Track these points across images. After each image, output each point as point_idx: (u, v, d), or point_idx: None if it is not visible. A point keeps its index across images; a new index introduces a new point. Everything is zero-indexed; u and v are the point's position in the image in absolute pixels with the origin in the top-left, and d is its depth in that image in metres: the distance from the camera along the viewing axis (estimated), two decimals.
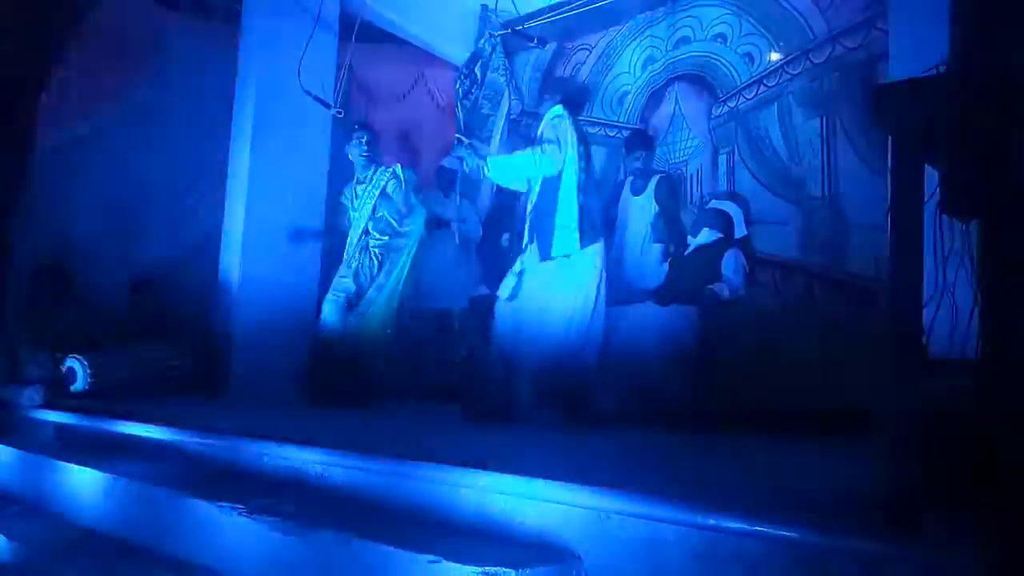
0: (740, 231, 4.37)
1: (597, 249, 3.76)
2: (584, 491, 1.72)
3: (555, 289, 3.68)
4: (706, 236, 4.29)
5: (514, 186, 4.05)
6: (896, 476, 1.37)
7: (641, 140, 4.79)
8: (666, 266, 4.46)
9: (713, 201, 4.51)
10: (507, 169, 3.92)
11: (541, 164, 3.71)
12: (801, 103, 4.44)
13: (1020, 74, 1.23)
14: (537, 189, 3.83)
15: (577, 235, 3.72)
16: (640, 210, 4.73)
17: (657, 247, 4.62)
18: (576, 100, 4.09)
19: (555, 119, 3.80)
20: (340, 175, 5.74)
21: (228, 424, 3.07)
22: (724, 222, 4.32)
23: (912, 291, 1.44)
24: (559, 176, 3.75)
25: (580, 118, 4.06)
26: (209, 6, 6.23)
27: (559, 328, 3.65)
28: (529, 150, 3.79)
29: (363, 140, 4.61)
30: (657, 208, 4.68)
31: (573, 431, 3.47)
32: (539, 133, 3.88)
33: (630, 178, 4.83)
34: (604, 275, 3.77)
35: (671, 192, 4.73)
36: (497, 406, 3.72)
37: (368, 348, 4.43)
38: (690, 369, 3.84)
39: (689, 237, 4.44)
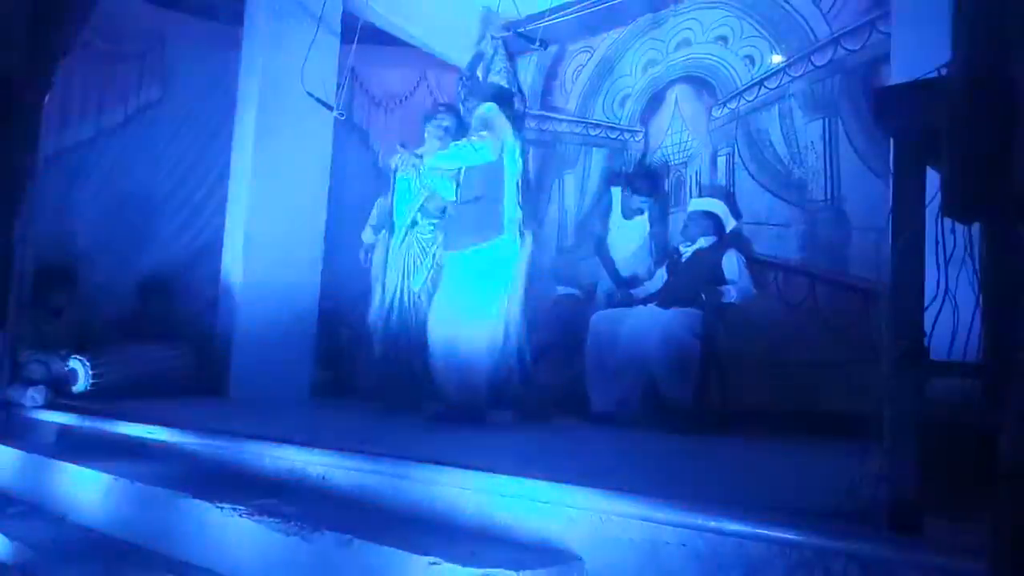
0: (730, 223, 4.37)
1: (527, 242, 3.79)
2: (585, 493, 1.72)
3: (478, 280, 3.70)
4: (702, 242, 4.30)
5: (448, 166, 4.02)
6: (896, 477, 1.37)
7: (649, 185, 4.72)
8: (663, 270, 4.46)
9: (695, 202, 4.48)
10: (445, 161, 3.93)
11: (479, 151, 3.71)
12: (802, 105, 4.44)
13: (1022, 76, 1.23)
14: (460, 179, 3.88)
15: (517, 228, 3.75)
16: (630, 231, 4.74)
17: (647, 260, 4.66)
18: (503, 99, 4.02)
19: (487, 111, 3.84)
20: (342, 176, 5.77)
21: (230, 425, 3.07)
22: (715, 224, 4.32)
23: (914, 293, 1.44)
24: (497, 167, 3.76)
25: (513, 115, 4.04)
26: (212, 7, 6.24)
27: (485, 321, 3.68)
28: (464, 141, 3.81)
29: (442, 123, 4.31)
30: (649, 229, 4.70)
31: (572, 432, 3.47)
32: (471, 126, 3.91)
33: (618, 195, 4.84)
34: (527, 270, 3.82)
35: (662, 215, 4.77)
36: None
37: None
38: (693, 371, 3.84)
39: (683, 246, 4.42)
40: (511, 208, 3.74)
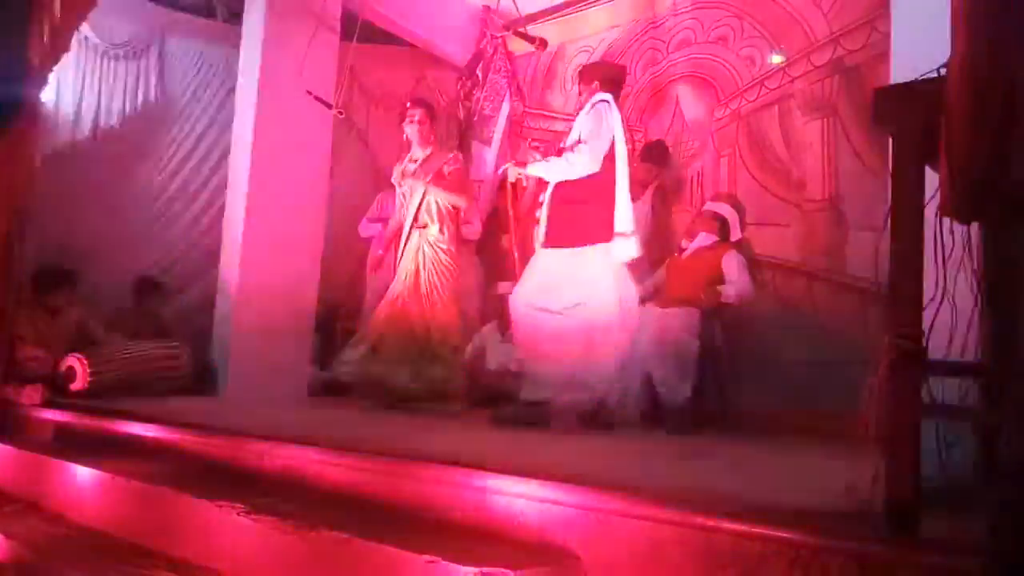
0: (736, 234, 4.35)
1: (633, 244, 3.60)
2: (583, 491, 1.72)
3: (578, 282, 3.53)
4: (703, 239, 4.29)
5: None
6: (894, 476, 1.37)
7: (659, 154, 4.75)
8: (662, 269, 4.46)
9: (709, 203, 4.51)
10: (545, 174, 3.77)
11: (574, 166, 3.56)
12: (802, 105, 4.44)
13: (1020, 76, 1.23)
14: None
15: (632, 230, 3.58)
16: (635, 215, 4.74)
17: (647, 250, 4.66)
18: (616, 81, 3.84)
19: (600, 105, 3.63)
20: (341, 175, 5.77)
21: (227, 423, 3.07)
22: (720, 225, 4.31)
23: (912, 293, 1.44)
24: (606, 171, 3.58)
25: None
26: (211, 6, 6.23)
27: (582, 326, 3.49)
28: (563, 158, 3.62)
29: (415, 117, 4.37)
30: (651, 215, 4.70)
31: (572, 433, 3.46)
32: (578, 125, 3.71)
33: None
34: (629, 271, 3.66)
35: (666, 199, 4.75)
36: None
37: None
38: (691, 370, 3.84)
39: (684, 241, 4.43)
40: (624, 216, 3.57)
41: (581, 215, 3.58)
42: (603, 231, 3.55)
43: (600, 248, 3.55)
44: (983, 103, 1.27)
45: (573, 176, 3.61)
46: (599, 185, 3.57)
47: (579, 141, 3.61)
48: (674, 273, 4.34)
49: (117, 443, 3.21)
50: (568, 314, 3.48)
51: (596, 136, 3.56)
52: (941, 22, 1.40)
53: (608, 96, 3.67)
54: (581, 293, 3.50)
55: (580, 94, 3.89)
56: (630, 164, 3.77)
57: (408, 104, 4.50)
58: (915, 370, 1.40)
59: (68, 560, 2.28)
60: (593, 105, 3.65)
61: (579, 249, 3.56)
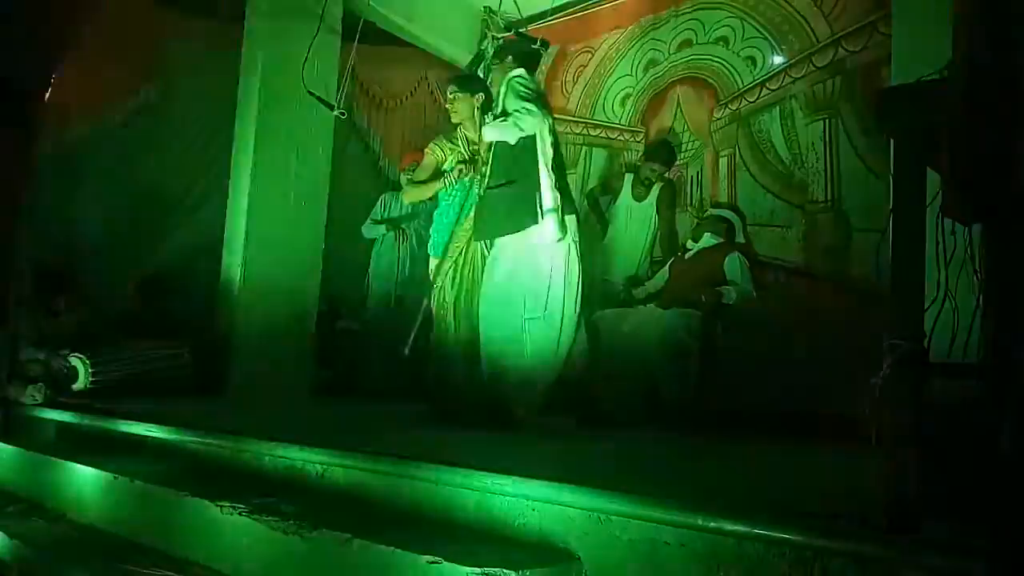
0: (738, 239, 4.39)
1: (569, 222, 3.46)
2: (584, 492, 1.72)
3: (516, 271, 3.42)
4: (707, 240, 4.30)
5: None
6: (896, 477, 1.37)
7: (665, 153, 4.74)
8: (665, 270, 4.46)
9: (712, 210, 4.54)
10: (499, 136, 3.59)
11: (525, 126, 3.42)
12: (803, 106, 4.44)
13: (1022, 77, 1.23)
14: (491, 162, 3.57)
15: (556, 215, 3.39)
16: (639, 215, 4.75)
17: (650, 251, 4.66)
18: (532, 57, 3.78)
19: (516, 82, 3.55)
20: (343, 175, 5.76)
21: (229, 423, 3.07)
22: (726, 228, 4.34)
23: (914, 294, 1.44)
24: (529, 149, 3.44)
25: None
26: (212, 5, 6.23)
27: (529, 315, 3.38)
28: (511, 117, 3.48)
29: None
30: (656, 216, 4.70)
31: (572, 434, 3.46)
32: (501, 102, 3.60)
33: (630, 180, 4.85)
34: (577, 253, 3.49)
35: (671, 200, 4.76)
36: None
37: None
38: (692, 371, 3.84)
39: (690, 241, 4.44)
40: (547, 193, 3.39)
41: (512, 197, 3.44)
42: (532, 212, 3.37)
43: (533, 230, 3.39)
44: (984, 104, 1.27)
45: (522, 132, 3.43)
46: (522, 163, 3.43)
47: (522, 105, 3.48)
48: (677, 274, 4.35)
49: (119, 443, 3.21)
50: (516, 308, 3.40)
51: (532, 102, 3.45)
52: (942, 22, 1.41)
53: (524, 74, 3.60)
54: (523, 282, 3.41)
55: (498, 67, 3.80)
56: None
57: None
58: (917, 371, 1.40)
59: (70, 559, 2.29)
60: (520, 79, 3.57)
61: (520, 234, 3.41)
